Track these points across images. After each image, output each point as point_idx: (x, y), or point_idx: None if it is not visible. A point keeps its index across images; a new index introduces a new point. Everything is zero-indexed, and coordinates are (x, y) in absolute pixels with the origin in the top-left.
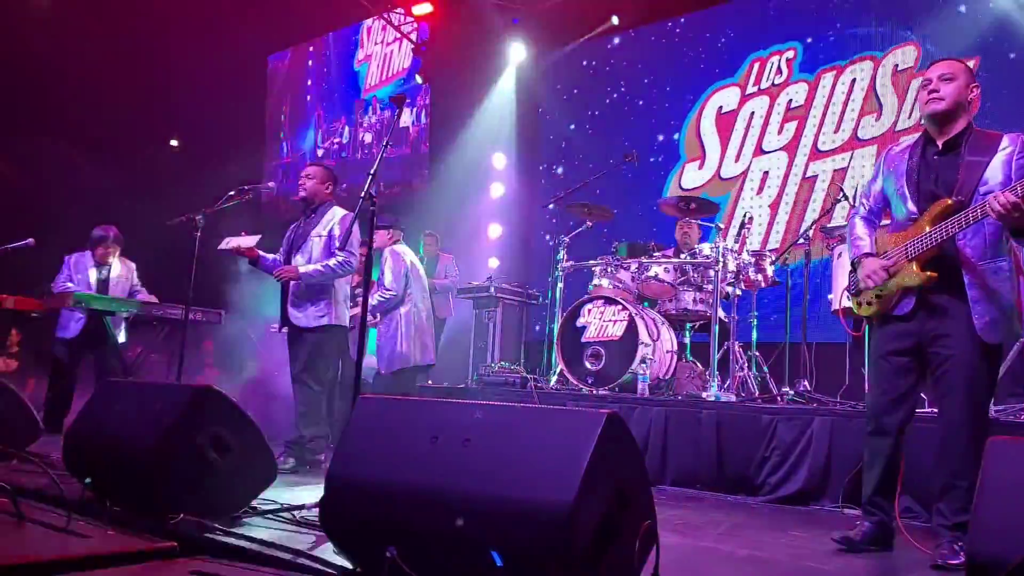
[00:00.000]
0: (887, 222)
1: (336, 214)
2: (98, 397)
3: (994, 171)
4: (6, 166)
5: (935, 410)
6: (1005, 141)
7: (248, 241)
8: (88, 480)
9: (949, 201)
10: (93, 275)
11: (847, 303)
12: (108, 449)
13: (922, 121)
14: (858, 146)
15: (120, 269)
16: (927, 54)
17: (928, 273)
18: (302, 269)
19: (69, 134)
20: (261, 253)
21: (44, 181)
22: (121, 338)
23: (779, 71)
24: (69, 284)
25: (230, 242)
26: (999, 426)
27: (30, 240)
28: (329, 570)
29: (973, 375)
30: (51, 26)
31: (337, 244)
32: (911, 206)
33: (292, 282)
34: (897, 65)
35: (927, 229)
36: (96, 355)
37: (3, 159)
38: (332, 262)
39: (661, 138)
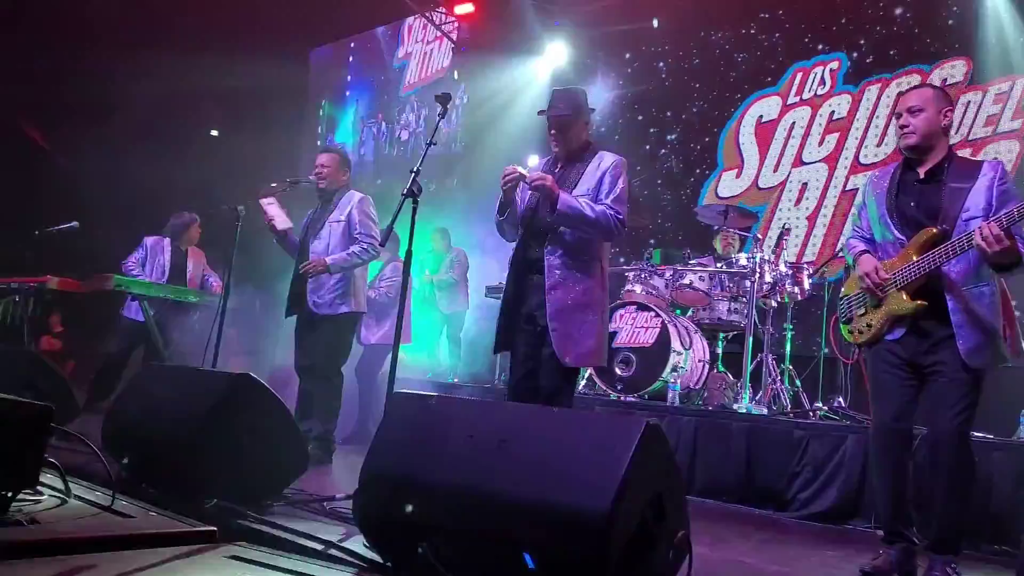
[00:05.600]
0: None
1: (353, 198)
2: (139, 380)
3: (976, 198)
4: (53, 150)
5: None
6: (986, 168)
7: (284, 220)
8: (125, 460)
9: (934, 230)
10: (168, 261)
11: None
12: (147, 431)
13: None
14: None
15: (195, 257)
16: (979, 68)
17: (918, 302)
18: (329, 260)
19: (114, 121)
20: (291, 233)
21: (90, 166)
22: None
23: (822, 82)
24: (135, 271)
25: (271, 205)
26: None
27: (74, 223)
28: (359, 562)
29: (957, 397)
30: (95, 18)
31: (358, 229)
32: (895, 232)
33: (313, 268)
34: (946, 80)
35: (914, 258)
36: (147, 345)
37: (52, 145)
38: (356, 248)
39: (709, 142)
